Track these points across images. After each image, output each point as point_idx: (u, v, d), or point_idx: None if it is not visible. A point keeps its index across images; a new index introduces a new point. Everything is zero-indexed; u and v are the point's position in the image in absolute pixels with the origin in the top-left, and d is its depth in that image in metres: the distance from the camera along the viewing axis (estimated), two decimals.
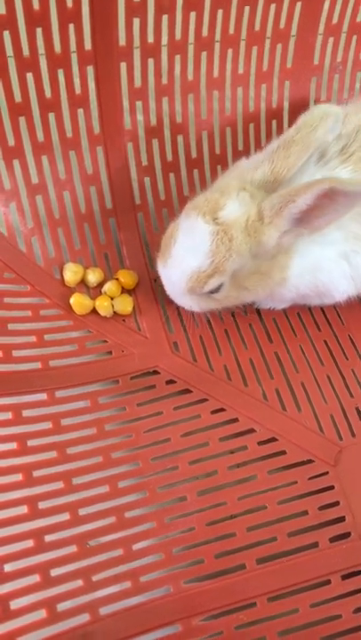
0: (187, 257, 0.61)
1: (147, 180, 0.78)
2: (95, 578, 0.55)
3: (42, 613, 0.52)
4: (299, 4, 0.75)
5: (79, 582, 0.55)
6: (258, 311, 0.75)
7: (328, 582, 0.58)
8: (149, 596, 0.56)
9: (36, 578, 0.53)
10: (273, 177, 0.60)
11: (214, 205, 0.60)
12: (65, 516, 0.57)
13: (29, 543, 0.54)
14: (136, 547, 0.58)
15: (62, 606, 0.53)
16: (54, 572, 0.54)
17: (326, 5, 0.77)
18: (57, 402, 0.63)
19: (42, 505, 0.57)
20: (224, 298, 0.64)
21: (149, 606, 0.55)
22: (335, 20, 0.78)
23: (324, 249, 0.64)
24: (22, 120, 0.69)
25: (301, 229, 0.60)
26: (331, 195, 0.56)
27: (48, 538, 0.56)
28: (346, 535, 0.61)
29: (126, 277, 0.73)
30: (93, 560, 0.56)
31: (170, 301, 0.72)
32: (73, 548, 0.56)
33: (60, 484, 0.59)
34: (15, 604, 0.51)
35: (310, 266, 0.64)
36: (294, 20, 0.76)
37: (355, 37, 0.81)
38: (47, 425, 0.61)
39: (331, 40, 0.80)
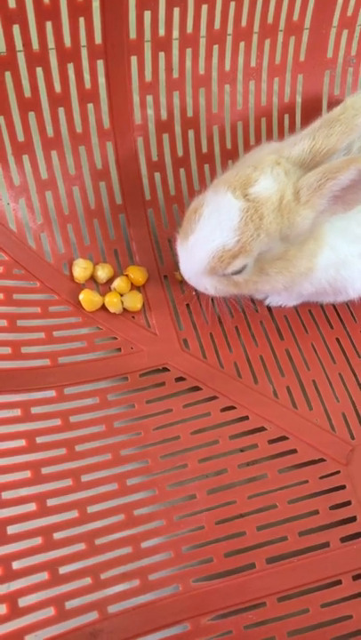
0: (212, 233, 0.57)
1: (157, 175, 0.77)
2: (104, 576, 0.55)
3: (50, 611, 0.52)
4: None
5: (88, 580, 0.55)
6: (269, 308, 0.74)
7: (339, 582, 0.58)
8: (158, 595, 0.56)
9: (44, 575, 0.53)
10: (311, 155, 0.57)
11: (246, 180, 0.57)
12: (73, 514, 0.57)
13: (38, 541, 0.54)
14: (145, 545, 0.57)
15: (71, 604, 0.53)
16: (63, 570, 0.54)
17: None
18: (66, 399, 0.63)
19: (50, 502, 0.57)
20: (244, 282, 0.61)
21: (158, 605, 0.55)
22: (350, 12, 0.77)
23: (351, 245, 0.62)
24: (32, 115, 0.69)
25: (336, 208, 0.58)
26: None
27: (57, 535, 0.55)
28: (357, 535, 0.60)
29: (136, 274, 0.72)
30: (102, 558, 0.56)
31: (180, 298, 0.72)
32: (82, 546, 0.56)
33: (68, 482, 0.58)
34: (24, 602, 0.51)
35: (338, 260, 0.63)
36: (308, 12, 0.75)
37: None
38: (56, 422, 0.61)
39: (345, 33, 0.79)
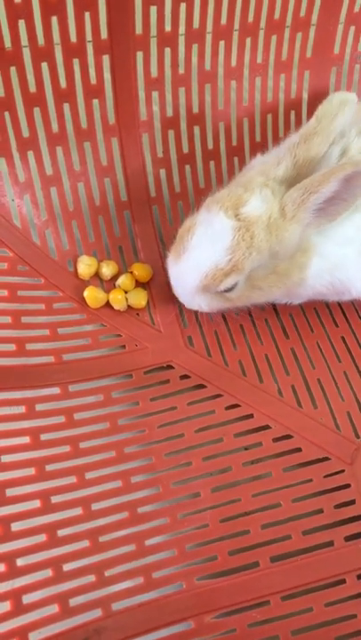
0: (205, 252, 0.60)
1: (162, 172, 0.77)
2: (108, 573, 0.55)
3: (54, 608, 0.52)
4: None
5: (92, 577, 0.55)
6: (274, 306, 0.73)
7: (343, 582, 0.58)
8: (162, 593, 0.56)
9: (48, 572, 0.53)
10: (296, 171, 0.59)
11: (237, 201, 0.59)
12: (78, 511, 0.57)
13: (42, 538, 0.54)
14: (149, 542, 0.57)
15: (75, 601, 0.53)
16: (67, 567, 0.54)
17: None
18: (70, 396, 0.63)
19: (54, 499, 0.56)
20: (237, 298, 0.63)
21: (162, 602, 0.55)
22: (357, 8, 0.77)
23: (342, 248, 0.63)
24: (37, 111, 0.69)
25: (321, 220, 0.59)
26: (349, 179, 0.55)
27: (61, 532, 0.55)
28: None
29: (141, 271, 0.72)
30: (106, 555, 0.56)
31: None
32: (86, 543, 0.56)
33: (72, 479, 0.58)
34: (27, 599, 0.51)
35: (330, 265, 0.63)
36: (315, 8, 0.75)
37: None
38: (60, 419, 0.61)
39: (352, 29, 0.78)
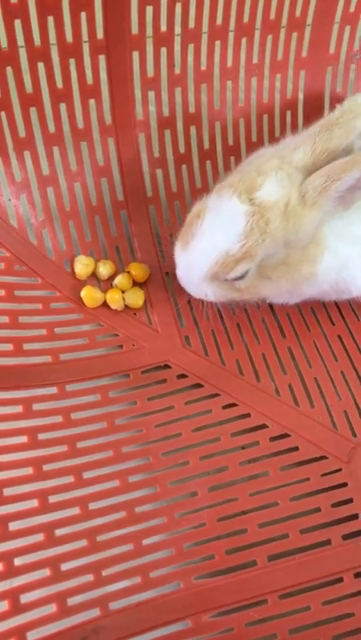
0: (216, 238, 0.57)
1: (159, 171, 0.77)
2: (105, 573, 0.55)
3: (52, 608, 0.52)
4: None
5: (89, 577, 0.55)
6: (271, 306, 0.74)
7: (340, 580, 0.58)
8: (160, 592, 0.56)
9: (46, 572, 0.53)
10: (313, 159, 0.57)
11: (251, 185, 0.57)
12: (75, 511, 0.57)
13: (40, 537, 0.54)
14: (146, 542, 0.57)
15: (72, 601, 0.53)
16: (65, 567, 0.54)
17: None
18: (67, 395, 0.63)
19: (52, 499, 0.56)
20: (245, 287, 0.61)
21: (160, 602, 0.55)
22: (352, 8, 0.77)
23: (350, 246, 0.62)
24: (33, 111, 0.69)
25: (338, 208, 0.58)
26: None
27: (58, 532, 0.55)
28: (359, 533, 0.60)
29: (138, 270, 0.72)
30: (104, 555, 0.56)
31: (181, 295, 0.72)
32: (83, 543, 0.56)
33: (70, 478, 0.58)
34: (25, 598, 0.51)
35: (338, 263, 0.63)
36: (310, 8, 0.75)
37: None
38: (57, 419, 0.61)
39: (347, 29, 0.79)
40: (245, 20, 0.72)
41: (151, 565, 0.56)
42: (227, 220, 0.57)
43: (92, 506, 0.58)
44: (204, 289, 0.62)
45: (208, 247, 0.58)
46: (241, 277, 0.60)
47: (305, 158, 0.58)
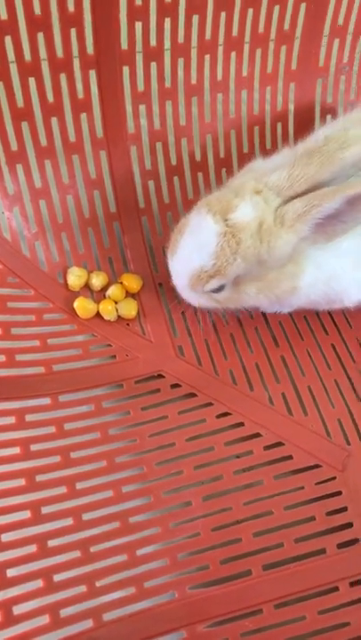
0: (191, 254, 0.61)
1: (151, 183, 0.78)
2: (99, 583, 0.55)
3: (45, 619, 0.52)
4: (303, 6, 0.75)
5: (83, 588, 0.54)
6: (264, 315, 0.74)
7: (336, 589, 0.57)
8: (154, 602, 0.55)
9: (39, 583, 0.53)
10: (289, 182, 0.58)
11: (227, 206, 0.59)
12: (68, 521, 0.57)
13: (33, 548, 0.54)
14: (140, 552, 0.57)
15: (66, 612, 0.53)
16: (58, 578, 0.54)
17: (331, 6, 0.77)
18: (60, 406, 0.63)
19: (45, 510, 0.56)
20: (224, 299, 0.64)
21: (154, 612, 0.55)
22: (340, 21, 0.78)
23: (339, 259, 0.63)
24: (25, 125, 0.69)
25: (318, 237, 0.59)
26: (353, 201, 0.55)
27: (51, 543, 0.55)
28: (354, 541, 0.60)
29: (130, 281, 0.73)
30: (97, 565, 0.56)
31: (175, 305, 0.72)
32: (77, 554, 0.56)
33: (63, 489, 0.58)
34: (18, 610, 0.51)
35: (325, 275, 0.63)
36: (299, 21, 0.76)
37: None
38: (51, 429, 0.61)
39: (336, 41, 0.80)
40: (234, 33, 0.73)
41: (145, 576, 0.56)
42: (201, 238, 0.59)
43: (86, 516, 0.58)
44: (190, 296, 0.65)
45: (185, 262, 0.62)
46: (218, 290, 0.62)
47: (281, 181, 0.59)
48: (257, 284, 0.62)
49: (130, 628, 0.54)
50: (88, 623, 0.53)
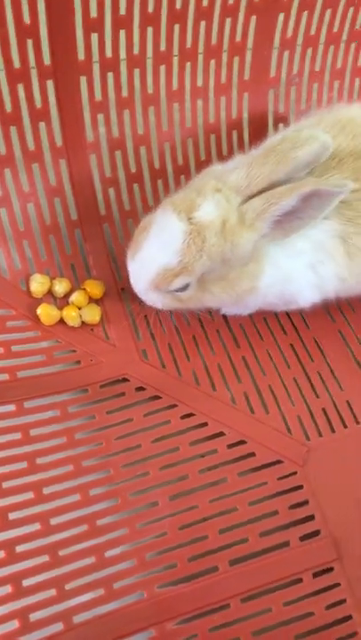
0: (156, 252, 0.61)
1: (111, 191, 0.79)
2: (68, 586, 0.56)
3: (14, 624, 0.52)
4: (253, 18, 0.77)
5: (52, 591, 0.55)
6: (225, 317, 0.76)
7: (300, 580, 0.59)
8: (123, 603, 0.56)
9: (7, 589, 0.53)
10: (247, 182, 0.60)
11: (190, 204, 0.60)
12: (36, 526, 0.57)
13: (1, 554, 0.54)
14: (109, 554, 0.58)
15: (35, 616, 0.53)
16: (26, 583, 0.54)
17: (281, 19, 0.79)
18: (26, 412, 0.63)
19: (12, 516, 0.57)
20: (188, 298, 0.64)
21: (123, 612, 0.56)
22: (289, 33, 0.81)
23: (294, 260, 0.65)
24: None
25: (276, 234, 0.61)
26: (308, 197, 0.57)
27: (19, 548, 0.56)
28: (316, 533, 0.62)
29: (93, 287, 0.74)
30: (66, 569, 0.56)
31: (138, 310, 0.74)
32: (45, 558, 0.56)
33: (30, 495, 0.59)
34: None
35: (281, 276, 0.65)
36: (250, 33, 0.78)
37: (310, 50, 0.84)
38: (16, 436, 0.61)
39: (286, 53, 0.82)
40: (188, 45, 0.75)
41: (114, 577, 0.57)
42: (167, 236, 0.60)
43: (54, 521, 0.58)
44: (152, 297, 0.65)
45: (150, 260, 0.62)
46: (182, 290, 0.63)
47: (240, 180, 0.60)
48: (220, 282, 0.63)
49: (100, 629, 0.55)
50: (58, 626, 0.54)
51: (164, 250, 0.60)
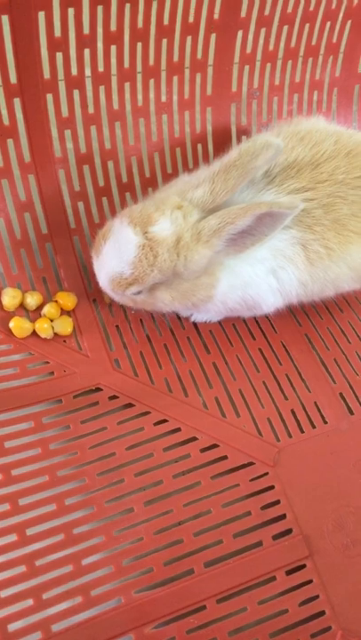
0: (112, 261, 0.64)
1: (80, 204, 0.80)
2: (46, 596, 0.56)
3: None
4: (213, 36, 0.80)
5: (30, 601, 0.56)
6: (195, 324, 0.77)
7: (274, 579, 0.61)
8: (101, 609, 0.57)
9: None
10: (212, 197, 0.63)
11: (148, 219, 0.62)
12: (12, 537, 0.58)
13: None
14: (86, 561, 0.59)
15: (13, 626, 0.54)
16: (4, 593, 0.55)
17: (240, 36, 0.82)
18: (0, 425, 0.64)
19: None
20: (142, 302, 0.68)
21: (101, 619, 0.57)
22: (249, 49, 0.84)
23: (253, 266, 0.67)
24: None
25: (230, 250, 0.63)
26: (261, 217, 0.60)
27: None
28: (288, 532, 0.63)
29: (65, 299, 0.75)
30: (43, 578, 0.57)
31: (110, 320, 0.75)
32: (22, 568, 0.57)
33: (6, 506, 0.59)
34: None
35: (240, 283, 0.68)
36: (210, 50, 0.81)
37: (268, 65, 0.87)
38: None
39: (247, 68, 0.85)
40: (151, 62, 0.77)
41: (92, 584, 0.58)
42: (121, 247, 0.63)
43: (30, 531, 0.59)
44: (112, 294, 0.68)
45: (106, 266, 0.65)
46: (136, 294, 0.66)
47: (205, 197, 0.63)
48: (171, 292, 0.66)
49: (78, 636, 0.55)
50: (37, 636, 0.54)
51: (118, 260, 0.63)
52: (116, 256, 0.63)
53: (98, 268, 0.67)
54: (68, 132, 0.77)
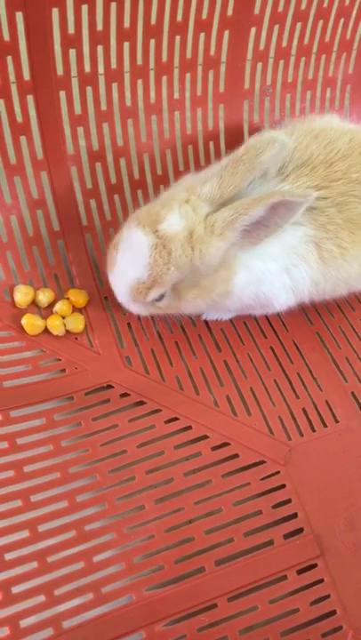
0: (127, 268, 0.63)
1: (92, 202, 0.80)
2: (57, 592, 0.56)
3: (5, 631, 0.53)
4: (227, 32, 0.80)
5: (42, 597, 0.56)
6: (206, 322, 0.77)
7: (285, 578, 0.61)
8: (112, 606, 0.57)
9: None
10: (220, 192, 0.62)
11: (155, 218, 0.62)
12: (25, 534, 0.58)
13: None
14: (97, 558, 0.59)
15: (25, 622, 0.54)
16: (16, 589, 0.55)
17: (253, 32, 0.82)
18: (12, 421, 0.64)
19: (0, 524, 0.58)
20: (166, 306, 0.67)
21: (112, 616, 0.57)
22: (262, 46, 0.83)
23: (266, 263, 0.67)
24: None
25: (244, 242, 0.63)
26: (275, 207, 0.59)
27: (8, 556, 0.57)
28: (299, 531, 0.63)
29: (77, 296, 0.75)
30: (55, 575, 0.57)
31: (121, 317, 0.75)
32: (34, 565, 0.57)
33: (18, 503, 0.60)
34: None
35: (254, 279, 0.67)
36: (223, 47, 0.81)
37: (281, 62, 0.86)
38: (3, 445, 0.62)
39: (259, 65, 0.85)
40: (164, 59, 0.77)
41: (103, 581, 0.58)
42: (135, 251, 0.62)
43: (42, 528, 0.59)
44: (135, 308, 0.68)
45: (122, 276, 0.65)
46: (159, 299, 0.65)
47: (213, 191, 0.63)
48: (194, 289, 0.65)
49: (89, 633, 0.56)
50: (48, 632, 0.55)
51: (134, 265, 0.63)
52: (130, 262, 0.63)
53: (115, 281, 0.66)
54: (80, 129, 0.77)
